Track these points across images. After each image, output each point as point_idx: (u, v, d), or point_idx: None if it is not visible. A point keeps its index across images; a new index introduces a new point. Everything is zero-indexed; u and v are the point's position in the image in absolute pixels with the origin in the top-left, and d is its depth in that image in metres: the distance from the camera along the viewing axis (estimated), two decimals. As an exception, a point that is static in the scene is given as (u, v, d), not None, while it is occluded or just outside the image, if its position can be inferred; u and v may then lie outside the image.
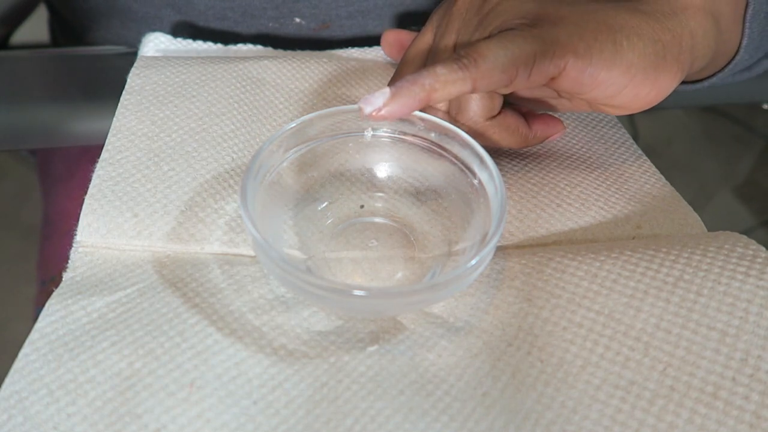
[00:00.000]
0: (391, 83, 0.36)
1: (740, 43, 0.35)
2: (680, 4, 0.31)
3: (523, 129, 0.34)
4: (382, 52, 0.47)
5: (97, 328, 0.27)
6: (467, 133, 0.30)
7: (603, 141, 0.40)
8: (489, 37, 0.30)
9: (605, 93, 0.31)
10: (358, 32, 0.53)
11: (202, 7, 0.50)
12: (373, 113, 0.27)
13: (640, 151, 0.39)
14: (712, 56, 0.33)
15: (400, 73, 0.36)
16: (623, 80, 0.30)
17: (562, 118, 0.41)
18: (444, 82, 0.27)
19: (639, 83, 0.30)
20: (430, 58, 0.34)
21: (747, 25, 0.34)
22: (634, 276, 0.29)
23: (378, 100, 0.27)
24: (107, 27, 0.54)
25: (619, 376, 0.26)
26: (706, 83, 0.38)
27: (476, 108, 0.32)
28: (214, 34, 0.52)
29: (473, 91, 0.28)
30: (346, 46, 0.47)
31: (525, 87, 0.30)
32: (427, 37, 0.36)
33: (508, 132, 0.34)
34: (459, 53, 0.28)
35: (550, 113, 0.37)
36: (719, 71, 0.37)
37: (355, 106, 0.32)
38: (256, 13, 0.50)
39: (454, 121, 0.33)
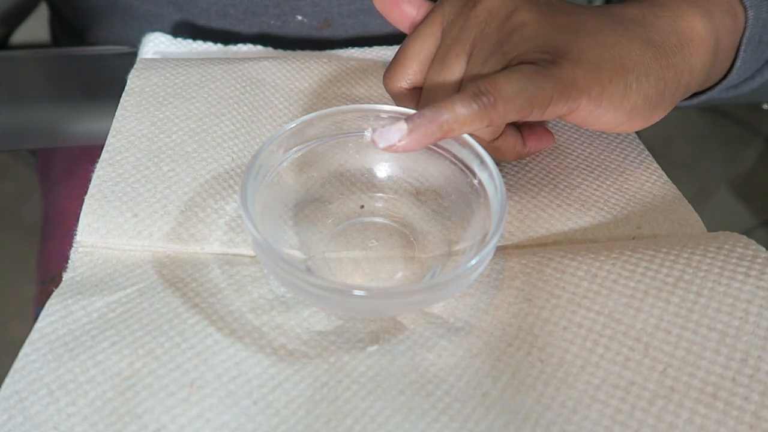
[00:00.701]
0: (389, 75, 0.34)
1: (733, 65, 0.35)
2: (687, 36, 0.31)
3: (519, 147, 0.34)
4: (382, 52, 0.47)
5: (97, 328, 0.27)
6: None
7: (604, 136, 0.40)
8: (508, 68, 0.29)
9: (603, 127, 0.31)
10: (359, 31, 0.53)
11: (203, 5, 0.50)
12: (390, 149, 0.27)
13: (642, 146, 0.39)
14: (699, 86, 0.34)
15: (400, 65, 0.34)
16: (623, 119, 0.31)
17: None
18: (462, 123, 0.27)
19: (635, 121, 0.31)
20: (439, 61, 0.32)
21: (743, 48, 0.34)
22: (634, 276, 0.29)
23: (394, 136, 0.26)
24: (108, 25, 0.54)
25: (619, 376, 0.26)
26: (694, 101, 0.38)
27: (481, 133, 0.31)
28: (215, 33, 0.52)
29: (487, 126, 0.28)
30: (348, 46, 0.47)
31: (534, 120, 0.30)
32: (434, 29, 0.33)
33: (507, 151, 0.33)
34: (479, 88, 0.27)
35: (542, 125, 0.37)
36: (708, 90, 0.37)
37: (355, 107, 0.32)
38: (257, 10, 0.50)
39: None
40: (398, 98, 0.35)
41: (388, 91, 0.35)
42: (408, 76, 0.34)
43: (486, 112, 0.27)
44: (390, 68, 0.35)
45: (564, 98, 0.28)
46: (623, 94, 0.29)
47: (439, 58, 0.33)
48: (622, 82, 0.29)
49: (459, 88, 0.32)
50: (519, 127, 0.34)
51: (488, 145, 0.32)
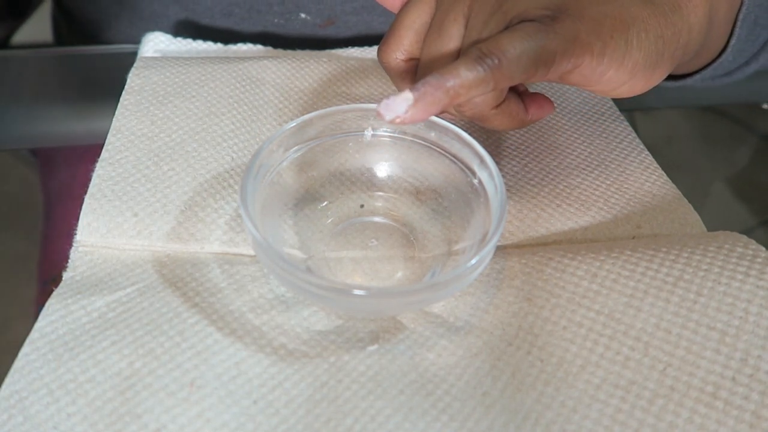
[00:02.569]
0: (384, 47, 0.33)
1: (728, 42, 0.35)
2: None
3: (521, 114, 0.33)
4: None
5: (97, 327, 0.27)
6: (469, 119, 0.30)
7: (605, 135, 0.40)
8: (509, 28, 0.28)
9: (605, 88, 0.31)
10: (362, 29, 0.53)
11: (209, 3, 0.50)
12: (396, 120, 0.25)
13: (642, 146, 0.39)
14: (697, 50, 0.33)
15: (395, 36, 0.33)
16: (625, 78, 0.30)
17: (561, 109, 0.41)
18: (468, 87, 0.26)
19: (637, 80, 0.30)
20: (436, 28, 0.31)
21: (739, 24, 0.34)
22: (634, 276, 0.29)
23: (400, 107, 0.25)
24: (116, 25, 0.54)
25: (619, 375, 0.26)
26: (688, 80, 0.38)
27: (486, 98, 0.31)
28: (219, 31, 0.52)
29: (492, 90, 0.27)
30: (350, 45, 0.48)
31: (538, 81, 0.29)
32: None
33: (509, 118, 0.33)
34: (482, 51, 0.26)
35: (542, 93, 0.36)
36: (702, 69, 0.37)
37: (355, 106, 0.32)
38: (262, 8, 0.50)
39: (458, 106, 0.31)
40: (394, 71, 0.34)
41: (383, 64, 0.34)
42: (403, 47, 0.33)
43: (491, 74, 0.26)
44: (384, 41, 0.33)
45: (568, 55, 0.28)
46: (624, 51, 0.29)
47: (435, 25, 0.32)
48: (623, 38, 0.29)
49: (458, 55, 0.31)
50: (520, 95, 0.34)
51: (491, 112, 0.32)
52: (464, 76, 0.26)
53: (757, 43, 0.37)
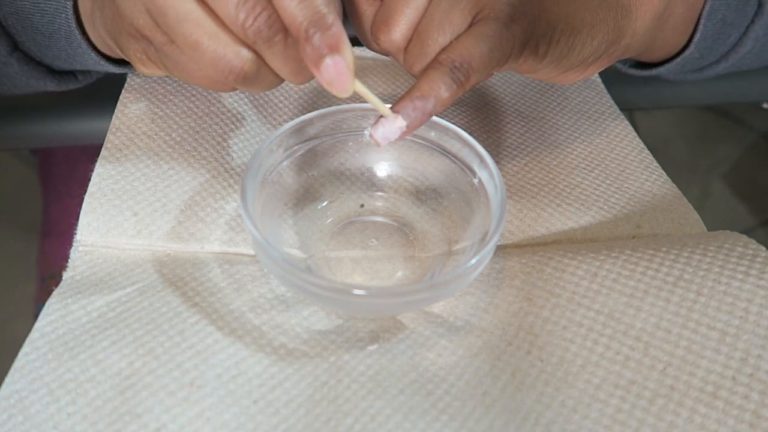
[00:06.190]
0: None
1: (692, 38, 0.36)
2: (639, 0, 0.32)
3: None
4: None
5: (97, 327, 0.27)
6: None
7: (605, 135, 0.40)
8: (475, 26, 0.28)
9: (536, 77, 0.32)
10: None
11: None
12: (387, 143, 0.28)
13: (642, 145, 0.39)
14: (641, 50, 0.35)
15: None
16: (555, 74, 0.32)
17: (570, 120, 0.41)
18: (445, 104, 0.28)
19: (570, 74, 0.32)
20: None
21: (702, 21, 0.35)
22: (634, 275, 0.29)
23: (395, 134, 0.28)
24: None
25: (619, 375, 0.26)
26: (653, 71, 0.39)
27: None
28: None
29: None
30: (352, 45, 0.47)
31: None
32: None
33: None
34: (454, 64, 0.28)
35: None
36: (667, 62, 0.38)
37: (355, 106, 0.32)
38: None
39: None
40: (353, 7, 0.31)
41: None
42: None
43: (462, 88, 0.28)
44: None
45: (517, 57, 0.29)
46: (564, 56, 0.31)
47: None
48: (567, 43, 0.30)
49: (423, 11, 0.30)
50: None
51: None
52: (443, 96, 0.28)
53: (728, 42, 0.38)
